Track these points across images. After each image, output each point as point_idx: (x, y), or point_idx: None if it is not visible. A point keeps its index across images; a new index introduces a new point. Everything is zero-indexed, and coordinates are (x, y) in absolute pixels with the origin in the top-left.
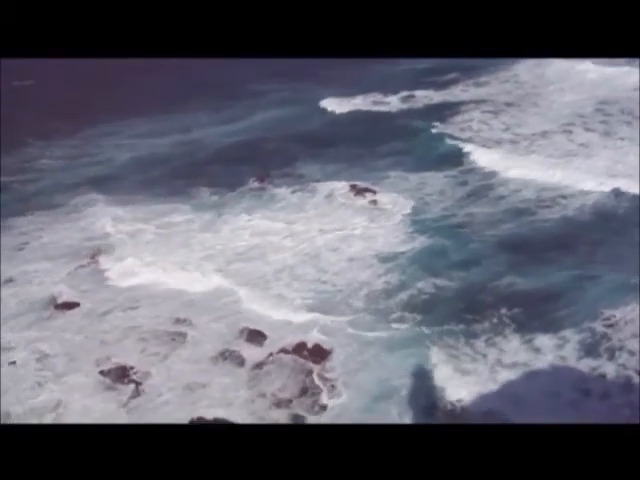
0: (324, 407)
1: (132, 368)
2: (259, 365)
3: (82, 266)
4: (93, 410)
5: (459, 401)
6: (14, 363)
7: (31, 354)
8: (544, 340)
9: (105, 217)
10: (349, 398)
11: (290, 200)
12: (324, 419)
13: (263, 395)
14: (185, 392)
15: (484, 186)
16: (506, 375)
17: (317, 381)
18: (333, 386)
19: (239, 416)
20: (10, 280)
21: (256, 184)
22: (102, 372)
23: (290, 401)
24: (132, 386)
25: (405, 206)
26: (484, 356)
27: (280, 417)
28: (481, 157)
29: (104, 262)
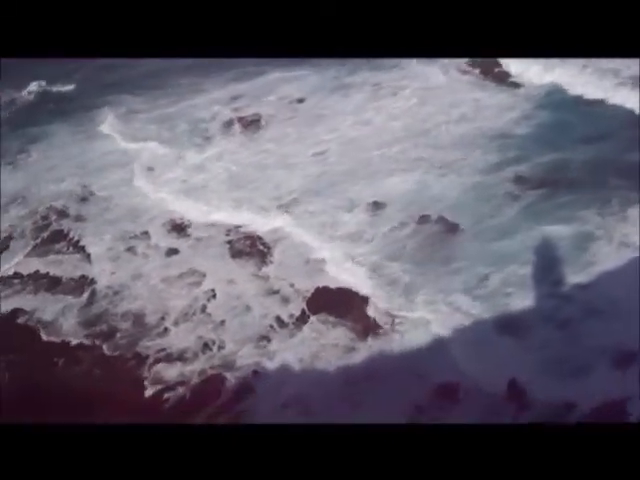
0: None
1: (260, 238)
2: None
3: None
4: (225, 278)
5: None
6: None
7: (161, 225)
8: None
9: (216, 95)
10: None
11: (409, 70)
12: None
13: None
14: (309, 264)
15: None
16: (625, 256)
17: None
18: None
19: (363, 283)
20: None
21: None
22: (230, 242)
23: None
24: (260, 256)
25: (531, 77)
26: (609, 237)
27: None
28: None
29: (220, 140)
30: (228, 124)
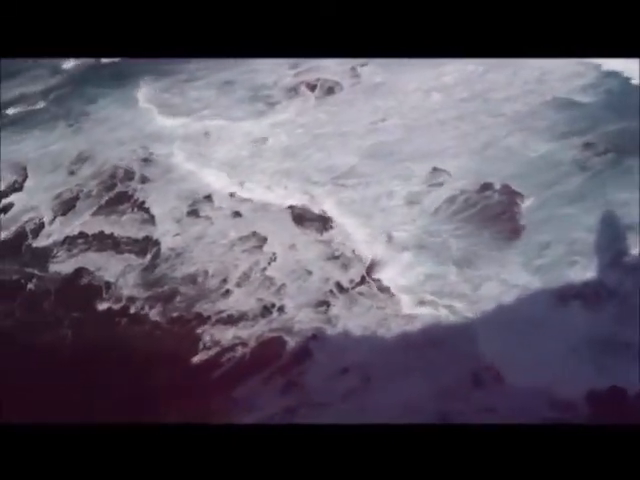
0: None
1: (320, 204)
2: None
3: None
4: (287, 242)
5: None
6: None
7: (222, 189)
8: None
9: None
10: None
11: None
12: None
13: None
14: (368, 232)
15: None
16: None
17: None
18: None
19: (420, 253)
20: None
21: None
22: (291, 207)
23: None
24: (321, 222)
25: None
26: None
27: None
28: None
29: (284, 107)
30: (292, 90)
